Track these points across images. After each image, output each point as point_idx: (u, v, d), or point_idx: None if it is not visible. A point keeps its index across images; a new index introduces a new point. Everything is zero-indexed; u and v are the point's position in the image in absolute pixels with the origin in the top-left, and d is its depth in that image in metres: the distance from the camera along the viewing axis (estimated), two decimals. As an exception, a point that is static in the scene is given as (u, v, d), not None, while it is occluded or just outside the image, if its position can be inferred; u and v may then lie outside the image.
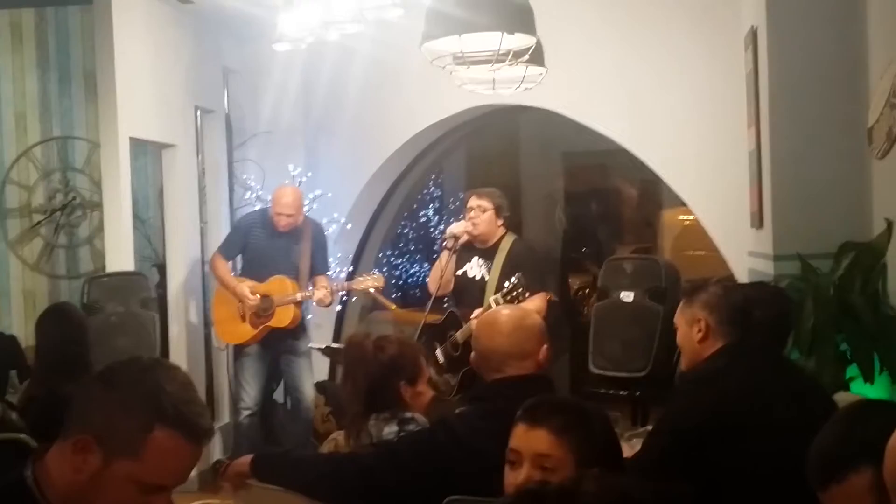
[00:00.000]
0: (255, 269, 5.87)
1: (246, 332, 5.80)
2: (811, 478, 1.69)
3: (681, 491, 1.14)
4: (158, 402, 1.66)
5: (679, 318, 3.22)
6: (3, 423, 3.16)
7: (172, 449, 1.66)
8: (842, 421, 1.73)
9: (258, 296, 5.73)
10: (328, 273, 6.04)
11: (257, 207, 6.42)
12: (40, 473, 1.70)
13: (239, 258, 6.12)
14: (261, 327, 5.77)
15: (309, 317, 6.05)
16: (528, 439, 2.14)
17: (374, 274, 5.91)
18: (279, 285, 5.76)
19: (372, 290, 5.93)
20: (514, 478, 2.10)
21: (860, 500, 1.61)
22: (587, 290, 8.00)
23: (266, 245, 5.85)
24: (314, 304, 5.94)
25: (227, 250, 5.97)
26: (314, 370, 6.19)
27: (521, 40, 4.20)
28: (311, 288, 5.78)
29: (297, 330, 5.91)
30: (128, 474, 1.65)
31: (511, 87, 4.80)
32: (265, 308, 5.73)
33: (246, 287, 5.75)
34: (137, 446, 1.64)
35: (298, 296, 5.73)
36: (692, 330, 3.13)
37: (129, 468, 1.65)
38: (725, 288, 3.24)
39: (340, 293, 6.16)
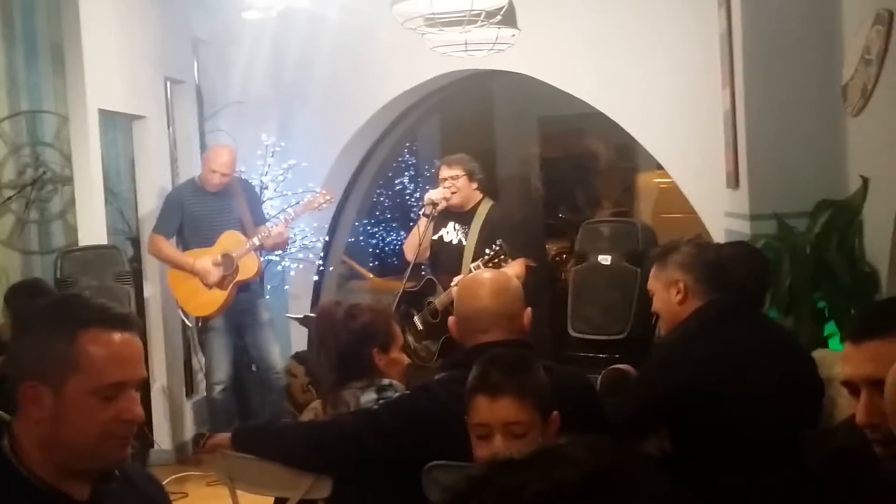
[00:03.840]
0: (199, 237, 5.81)
1: (217, 297, 5.72)
2: (850, 330, 1.70)
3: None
4: (71, 313, 1.70)
5: (654, 283, 3.19)
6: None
7: (102, 343, 1.67)
8: None
9: (219, 264, 5.67)
10: (266, 223, 5.98)
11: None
12: (14, 444, 1.69)
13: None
14: (230, 286, 5.71)
15: (287, 287, 6.01)
16: (494, 411, 2.13)
17: (316, 191, 5.82)
18: (231, 240, 5.73)
19: (324, 205, 5.87)
20: (487, 450, 2.09)
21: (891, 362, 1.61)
22: (565, 255, 8.00)
23: (205, 210, 5.81)
24: (267, 251, 5.86)
25: (165, 228, 5.84)
26: (294, 340, 6.15)
27: (492, 0, 4.16)
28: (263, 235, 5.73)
29: (256, 299, 5.89)
30: (81, 390, 1.65)
31: (483, 48, 4.76)
32: (228, 266, 5.69)
33: (202, 261, 5.67)
34: (72, 358, 1.65)
35: (256, 240, 5.70)
36: (670, 293, 3.10)
37: (78, 383, 1.65)
38: (698, 246, 3.22)
39: (292, 221, 6.01)
